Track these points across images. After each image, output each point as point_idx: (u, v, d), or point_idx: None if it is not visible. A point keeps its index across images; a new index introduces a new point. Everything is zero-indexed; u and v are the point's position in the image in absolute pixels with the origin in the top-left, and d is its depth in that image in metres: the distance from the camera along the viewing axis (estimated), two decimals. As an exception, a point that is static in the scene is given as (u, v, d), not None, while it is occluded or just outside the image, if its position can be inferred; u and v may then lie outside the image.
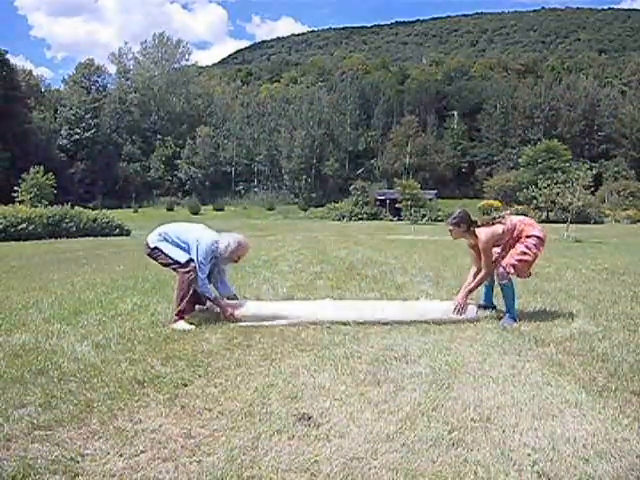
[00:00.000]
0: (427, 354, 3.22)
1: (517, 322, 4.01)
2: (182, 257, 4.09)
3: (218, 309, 4.15)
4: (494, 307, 4.48)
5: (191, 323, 3.98)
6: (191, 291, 4.05)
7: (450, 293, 5.42)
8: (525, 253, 4.09)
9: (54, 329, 3.77)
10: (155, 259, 4.21)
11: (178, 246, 4.13)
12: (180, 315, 3.97)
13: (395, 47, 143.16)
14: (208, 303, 4.24)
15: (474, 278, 4.32)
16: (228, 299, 4.23)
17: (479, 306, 4.37)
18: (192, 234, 4.14)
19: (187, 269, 4.06)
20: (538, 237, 4.12)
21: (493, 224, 4.17)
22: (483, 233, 4.12)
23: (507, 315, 4.12)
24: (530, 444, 1.97)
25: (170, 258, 4.15)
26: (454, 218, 4.20)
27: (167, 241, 4.17)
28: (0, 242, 14.86)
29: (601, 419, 2.21)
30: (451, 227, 4.22)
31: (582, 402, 2.40)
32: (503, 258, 4.17)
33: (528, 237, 4.11)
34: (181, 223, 4.49)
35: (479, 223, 4.22)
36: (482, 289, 4.54)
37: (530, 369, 2.91)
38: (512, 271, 4.09)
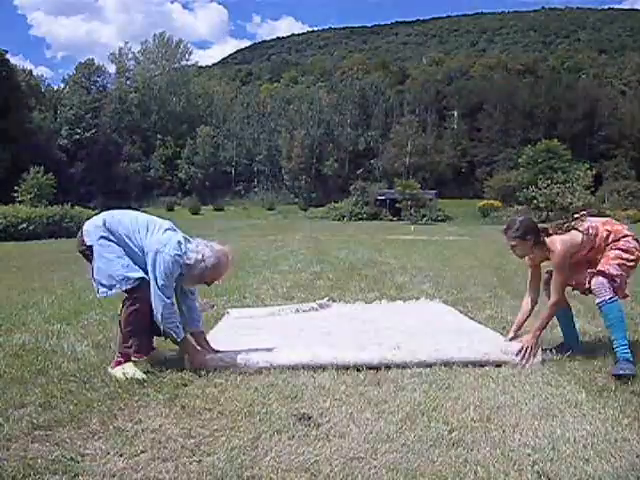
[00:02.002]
0: (427, 354, 3.20)
1: (635, 365, 2.73)
2: (120, 277, 2.79)
3: (185, 356, 2.93)
4: (578, 346, 3.22)
5: (143, 370, 2.81)
6: (145, 322, 2.85)
7: (450, 293, 5.43)
8: (626, 253, 2.92)
9: (54, 329, 3.77)
10: (90, 262, 2.91)
11: (125, 251, 2.85)
12: (125, 357, 2.82)
13: (395, 47, 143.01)
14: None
15: (532, 307, 3.22)
16: (192, 335, 3.01)
17: (556, 348, 3.21)
18: (152, 237, 2.83)
19: (129, 301, 2.83)
20: (633, 237, 3.00)
21: (568, 230, 3.03)
22: (559, 242, 2.96)
23: (619, 357, 2.78)
24: (530, 444, 1.97)
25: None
26: (517, 229, 2.99)
27: (110, 240, 2.86)
28: (0, 242, 14.86)
29: (601, 419, 2.21)
30: (515, 242, 3.01)
31: (582, 402, 2.40)
32: (585, 277, 3.01)
33: (616, 241, 2.98)
34: (139, 215, 3.03)
35: (550, 230, 3.07)
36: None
37: (530, 369, 2.91)
38: (617, 281, 2.87)
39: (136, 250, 2.85)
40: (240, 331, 3.85)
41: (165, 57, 66.38)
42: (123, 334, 2.85)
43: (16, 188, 37.01)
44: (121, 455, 1.90)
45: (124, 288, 2.81)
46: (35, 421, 2.17)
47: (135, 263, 2.85)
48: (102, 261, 2.83)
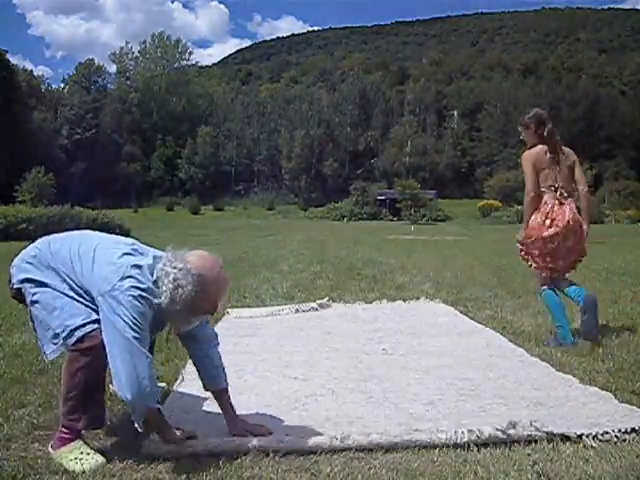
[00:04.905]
0: (427, 354, 3.21)
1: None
2: (61, 329, 1.85)
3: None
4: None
5: (91, 450, 1.88)
6: (97, 384, 1.89)
7: (450, 293, 5.42)
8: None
9: (54, 329, 3.76)
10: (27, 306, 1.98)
11: (63, 294, 1.89)
12: (73, 432, 1.89)
13: (395, 47, 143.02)
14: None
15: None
16: (214, 395, 2.14)
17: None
18: (101, 270, 1.85)
19: (72, 353, 1.86)
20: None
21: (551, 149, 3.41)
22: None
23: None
24: (530, 444, 1.97)
25: (35, 325, 1.97)
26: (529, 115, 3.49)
27: (41, 281, 1.93)
28: (0, 242, 14.87)
29: (601, 419, 2.20)
30: (520, 128, 3.56)
31: (582, 402, 2.40)
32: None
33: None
34: (85, 239, 2.03)
35: (554, 138, 3.43)
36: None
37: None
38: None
39: (79, 299, 1.89)
40: (240, 331, 3.85)
41: (165, 57, 66.41)
42: (65, 401, 1.88)
43: (16, 188, 37.07)
44: (121, 455, 1.90)
45: (72, 342, 1.84)
46: (35, 421, 2.17)
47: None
48: (36, 309, 1.93)
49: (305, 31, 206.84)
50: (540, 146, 3.40)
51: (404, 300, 5.02)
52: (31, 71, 63.59)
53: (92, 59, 66.09)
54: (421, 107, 64.30)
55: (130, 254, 1.91)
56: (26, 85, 55.91)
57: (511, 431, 1.94)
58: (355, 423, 2.16)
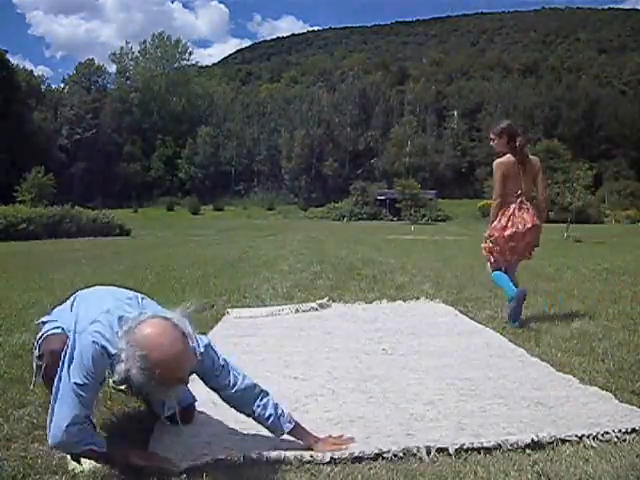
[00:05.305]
0: (427, 354, 3.20)
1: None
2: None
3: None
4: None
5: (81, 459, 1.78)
6: None
7: (450, 293, 5.43)
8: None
9: (54, 329, 3.76)
10: None
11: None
12: None
13: (395, 47, 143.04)
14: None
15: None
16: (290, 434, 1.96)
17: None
18: (86, 316, 1.79)
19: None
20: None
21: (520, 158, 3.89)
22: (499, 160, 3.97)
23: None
24: (530, 444, 1.97)
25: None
26: (500, 127, 3.97)
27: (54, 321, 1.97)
28: (0, 242, 14.88)
29: (601, 419, 2.20)
30: (493, 136, 3.97)
31: (582, 402, 2.39)
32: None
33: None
34: (95, 297, 1.95)
35: (524, 148, 3.91)
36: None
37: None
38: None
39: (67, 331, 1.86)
40: (240, 331, 3.85)
41: (165, 57, 66.45)
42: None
43: (16, 188, 37.08)
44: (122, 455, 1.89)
45: (37, 355, 1.90)
46: (35, 421, 2.17)
47: None
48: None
49: (305, 31, 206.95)
50: (509, 156, 3.85)
51: (404, 300, 5.01)
52: (31, 71, 63.76)
53: (92, 59, 66.41)
54: (421, 107, 64.35)
55: (117, 299, 1.87)
56: (26, 85, 55.95)
57: (512, 439, 1.93)
58: (355, 423, 2.16)
